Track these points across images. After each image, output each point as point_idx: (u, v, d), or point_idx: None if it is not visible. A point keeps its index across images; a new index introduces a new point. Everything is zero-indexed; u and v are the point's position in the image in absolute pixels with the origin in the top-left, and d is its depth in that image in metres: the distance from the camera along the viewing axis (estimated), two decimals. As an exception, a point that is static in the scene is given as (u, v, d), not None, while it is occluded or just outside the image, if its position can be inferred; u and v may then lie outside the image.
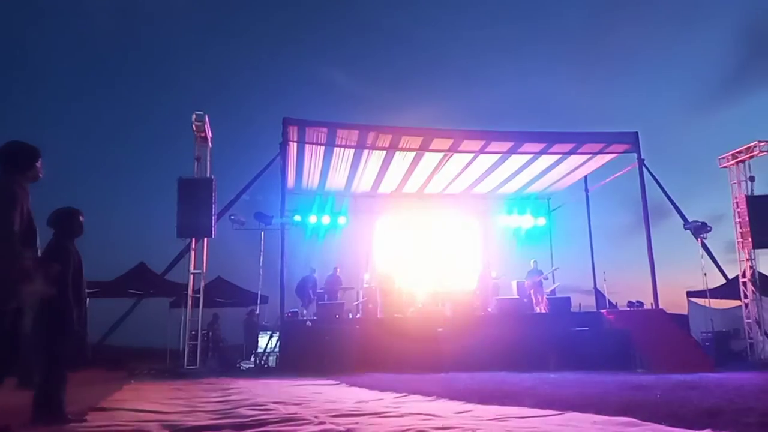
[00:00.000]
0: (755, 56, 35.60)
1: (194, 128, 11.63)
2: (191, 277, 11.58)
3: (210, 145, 12.16)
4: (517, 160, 14.02)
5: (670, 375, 7.97)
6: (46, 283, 3.48)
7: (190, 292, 11.45)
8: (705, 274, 13.35)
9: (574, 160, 14.13)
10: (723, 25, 35.32)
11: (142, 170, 36.46)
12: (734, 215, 13.18)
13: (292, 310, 12.77)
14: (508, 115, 34.41)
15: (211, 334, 13.33)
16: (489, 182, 15.64)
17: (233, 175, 14.66)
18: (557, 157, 13.84)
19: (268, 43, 43.53)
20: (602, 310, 12.94)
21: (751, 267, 13.04)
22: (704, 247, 13.46)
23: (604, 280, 14.45)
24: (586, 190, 15.90)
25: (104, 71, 39.26)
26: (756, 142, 12.75)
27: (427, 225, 16.58)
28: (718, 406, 3.88)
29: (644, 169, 13.13)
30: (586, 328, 11.50)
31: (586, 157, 13.96)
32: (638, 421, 3.37)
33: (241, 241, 13.81)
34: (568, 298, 13.31)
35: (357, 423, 3.65)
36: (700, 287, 13.88)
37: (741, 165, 13.23)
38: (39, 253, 3.57)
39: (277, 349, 11.60)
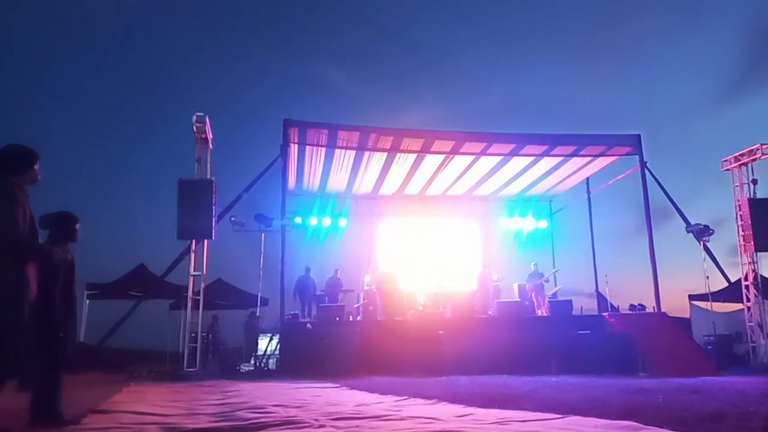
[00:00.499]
0: (760, 57, 35.56)
1: (195, 129, 11.63)
2: (191, 279, 11.57)
3: (210, 146, 12.16)
4: (518, 162, 14.01)
5: (672, 379, 7.93)
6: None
7: (190, 294, 11.44)
8: (707, 278, 13.32)
9: (576, 162, 14.12)
10: (729, 25, 35.29)
11: (142, 171, 36.46)
12: (737, 218, 13.14)
13: (292, 312, 12.75)
14: (510, 114, 34.41)
15: (210, 336, 13.31)
16: (490, 184, 15.63)
17: (234, 177, 14.66)
18: (559, 159, 13.83)
19: (269, 44, 43.62)
20: (604, 314, 12.91)
21: (753, 270, 13.00)
22: (706, 250, 13.43)
23: (606, 283, 14.42)
24: (588, 192, 15.88)
25: (103, 72, 39.33)
26: (759, 145, 12.73)
27: (428, 227, 16.57)
28: (720, 410, 3.85)
29: (646, 172, 13.12)
30: (588, 332, 11.46)
31: (588, 159, 13.95)
32: (640, 425, 3.35)
33: (241, 243, 13.79)
34: (570, 301, 13.28)
35: (357, 426, 3.63)
36: (702, 290, 13.85)
37: (744, 168, 13.20)
38: None
39: (277, 352, 11.58)
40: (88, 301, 14.44)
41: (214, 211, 11.57)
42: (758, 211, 12.64)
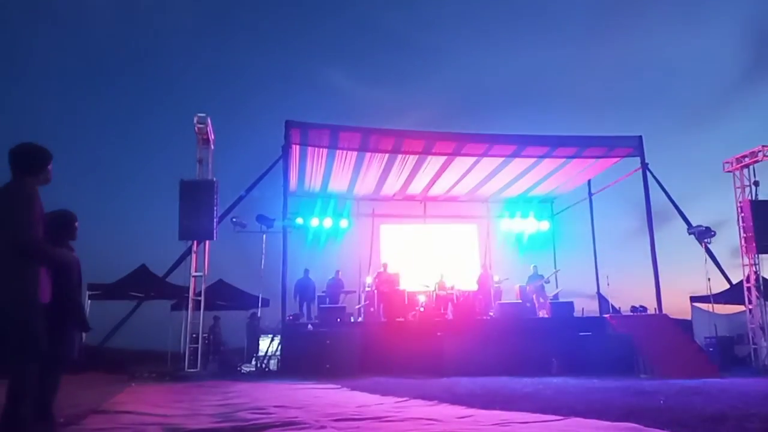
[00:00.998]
0: (762, 59, 35.51)
1: (196, 130, 11.64)
2: (192, 279, 11.58)
3: (212, 147, 12.17)
4: (520, 164, 14.00)
5: (674, 380, 7.93)
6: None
7: (191, 294, 11.45)
8: (709, 279, 13.28)
9: (578, 163, 14.11)
10: (730, 26, 35.28)
11: (144, 172, 36.51)
12: (738, 220, 13.12)
13: (293, 313, 12.76)
14: (510, 114, 34.43)
15: (211, 337, 13.32)
16: (492, 186, 15.63)
17: (235, 177, 14.68)
18: (561, 160, 13.82)
19: (270, 45, 43.66)
20: (605, 315, 12.89)
21: (755, 272, 12.98)
22: (708, 251, 13.40)
23: (608, 285, 14.42)
24: (590, 193, 15.86)
25: (104, 72, 39.39)
26: (760, 147, 12.70)
27: (430, 228, 16.57)
28: (721, 412, 3.85)
29: (648, 173, 13.11)
30: (589, 333, 11.45)
31: (590, 160, 13.94)
32: (641, 427, 3.36)
33: (242, 243, 13.80)
34: (571, 303, 13.26)
35: (358, 427, 3.64)
36: (703, 292, 13.82)
37: (745, 169, 13.18)
38: None
39: (278, 353, 11.58)
40: (89, 301, 14.42)
41: (215, 212, 11.58)
42: (760, 212, 12.63)
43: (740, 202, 13.13)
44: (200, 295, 11.49)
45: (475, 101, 36.22)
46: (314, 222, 15.50)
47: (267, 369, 11.60)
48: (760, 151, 12.73)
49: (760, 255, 12.89)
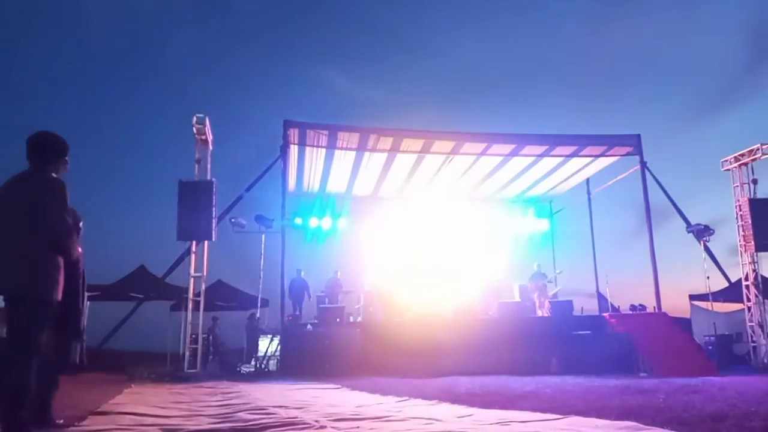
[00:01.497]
0: (760, 57, 35.58)
1: (194, 131, 11.62)
2: (192, 280, 11.55)
3: (210, 147, 12.15)
4: (519, 163, 14.01)
5: (673, 379, 7.92)
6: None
7: (190, 295, 11.43)
8: (708, 278, 13.31)
9: (577, 162, 14.12)
10: (729, 24, 35.32)
11: (142, 172, 36.49)
12: (737, 218, 13.14)
13: (293, 313, 12.76)
14: (510, 115, 34.46)
15: (211, 337, 13.31)
16: (491, 185, 15.63)
17: (234, 178, 14.67)
18: (559, 159, 13.83)
19: (269, 45, 43.66)
20: (605, 314, 12.90)
21: (754, 270, 12.99)
22: (707, 250, 13.42)
23: (607, 284, 14.43)
24: (589, 192, 15.89)
25: (104, 73, 39.36)
26: (759, 145, 12.71)
27: (429, 228, 16.55)
28: (721, 411, 3.85)
29: (647, 172, 13.12)
30: (589, 332, 11.46)
31: (589, 159, 13.95)
32: (641, 426, 3.35)
33: (241, 244, 13.80)
34: (570, 302, 13.28)
35: (358, 427, 3.64)
36: (702, 290, 13.85)
37: (744, 168, 13.19)
38: None
39: (277, 353, 11.58)
40: (88, 302, 14.41)
41: (214, 213, 11.56)
42: (758, 211, 12.63)
43: (739, 201, 13.14)
44: (199, 296, 11.48)
45: (473, 99, 36.25)
46: (313, 222, 15.49)
47: (266, 369, 11.61)
48: (758, 149, 12.74)
49: (758, 253, 12.91)
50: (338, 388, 7.45)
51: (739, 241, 13.11)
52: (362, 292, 14.11)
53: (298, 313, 13.65)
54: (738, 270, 13.50)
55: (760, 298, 12.86)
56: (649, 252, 12.67)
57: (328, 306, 12.85)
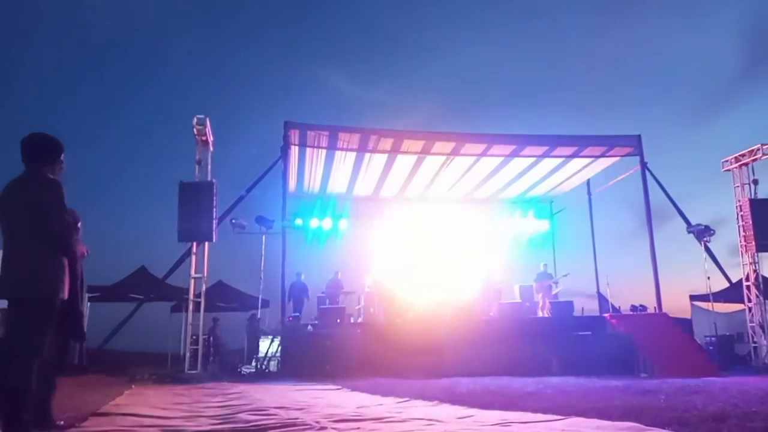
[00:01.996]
0: (760, 57, 35.60)
1: (195, 132, 11.62)
2: (192, 281, 11.56)
3: (211, 148, 12.16)
4: (519, 164, 14.01)
5: (674, 379, 7.92)
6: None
7: (191, 296, 11.44)
8: (708, 278, 13.30)
9: (577, 163, 14.12)
10: (728, 25, 35.36)
11: (143, 173, 36.55)
12: (737, 218, 13.14)
13: (293, 314, 12.76)
14: (509, 116, 34.48)
15: (211, 338, 13.31)
16: (491, 186, 15.63)
17: (234, 179, 14.67)
18: (560, 160, 13.82)
19: (269, 47, 43.68)
20: (605, 314, 12.89)
21: (754, 270, 12.99)
22: (707, 250, 13.42)
23: (607, 284, 14.41)
24: (589, 193, 15.88)
25: (104, 75, 39.39)
26: (759, 145, 12.72)
27: (429, 229, 16.54)
28: (722, 411, 3.85)
29: (647, 172, 13.12)
30: (589, 333, 11.46)
31: (589, 160, 13.95)
32: (642, 426, 3.36)
33: (242, 245, 13.81)
34: (571, 303, 13.27)
35: (359, 428, 3.64)
36: (703, 291, 13.85)
37: (744, 168, 13.20)
38: None
39: (278, 354, 11.58)
40: (89, 303, 14.44)
41: (214, 214, 11.56)
42: (759, 211, 12.64)
43: (739, 201, 13.14)
44: (200, 297, 11.48)
45: (473, 100, 36.28)
46: (313, 223, 15.48)
47: (267, 370, 11.60)
48: (759, 150, 12.74)
49: (759, 253, 12.91)
50: (339, 389, 7.45)
51: (740, 242, 13.12)
52: (363, 293, 14.11)
53: (298, 314, 13.66)
54: (739, 270, 13.52)
55: (761, 298, 12.86)
56: (650, 252, 12.66)
57: (328, 307, 12.85)
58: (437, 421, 3.88)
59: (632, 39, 37.39)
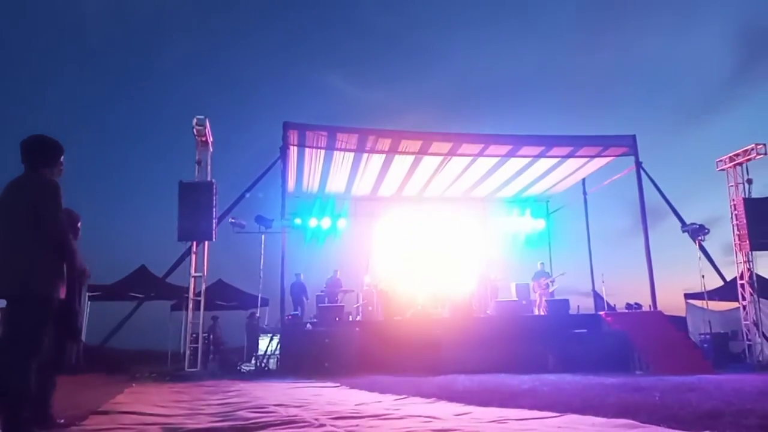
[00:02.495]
0: (754, 58, 35.72)
1: (195, 132, 11.66)
2: (192, 280, 11.60)
3: (211, 148, 12.20)
4: (515, 163, 14.06)
5: (669, 377, 7.98)
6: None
7: (191, 295, 11.48)
8: (703, 276, 13.37)
9: (573, 163, 14.18)
10: (721, 26, 35.45)
11: (143, 174, 36.48)
12: (732, 217, 13.21)
13: (292, 312, 12.81)
14: (508, 116, 34.53)
15: (212, 336, 13.35)
16: (488, 185, 15.68)
17: (234, 179, 14.71)
18: (556, 160, 13.88)
19: (268, 49, 43.60)
20: (601, 312, 12.96)
21: (748, 269, 13.07)
22: (702, 249, 13.49)
23: (603, 282, 14.47)
24: (585, 192, 15.95)
25: (104, 75, 39.28)
26: (753, 145, 12.78)
27: (427, 228, 16.60)
28: (717, 408, 3.87)
29: (642, 172, 13.18)
30: (585, 330, 11.52)
31: (585, 160, 14.01)
32: (637, 423, 3.38)
33: (241, 244, 13.84)
34: (567, 301, 13.33)
35: (357, 425, 3.68)
36: (698, 289, 13.90)
37: (739, 167, 13.26)
38: None
39: (277, 352, 11.63)
40: (89, 302, 14.46)
41: (214, 213, 11.60)
42: (753, 210, 12.71)
43: (734, 200, 13.22)
44: (200, 296, 11.52)
45: (470, 101, 36.31)
46: (312, 222, 15.52)
47: (266, 368, 11.65)
48: (753, 149, 12.82)
49: (753, 252, 12.99)
50: (337, 386, 7.49)
51: (734, 240, 13.20)
52: (361, 292, 14.17)
53: (297, 312, 13.71)
54: (733, 269, 13.60)
55: (755, 296, 12.94)
56: (645, 251, 12.74)
57: (327, 305, 12.90)
58: (435, 418, 3.92)
59: (627, 40, 37.48)
